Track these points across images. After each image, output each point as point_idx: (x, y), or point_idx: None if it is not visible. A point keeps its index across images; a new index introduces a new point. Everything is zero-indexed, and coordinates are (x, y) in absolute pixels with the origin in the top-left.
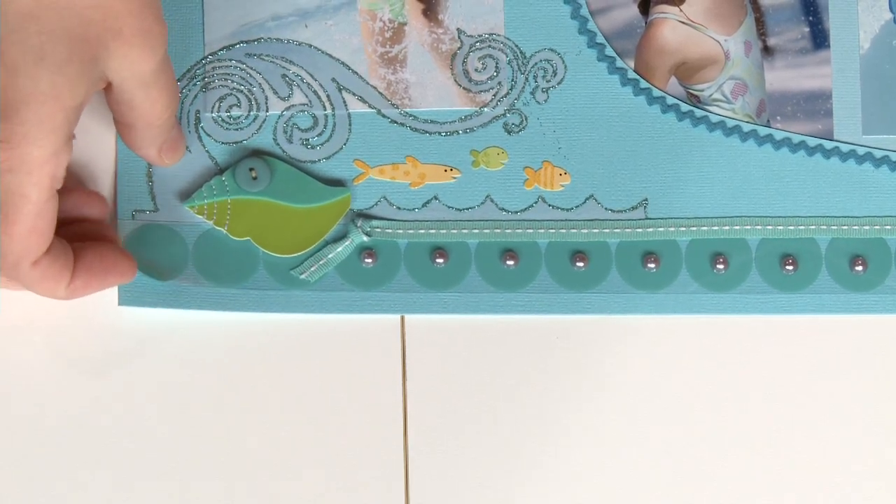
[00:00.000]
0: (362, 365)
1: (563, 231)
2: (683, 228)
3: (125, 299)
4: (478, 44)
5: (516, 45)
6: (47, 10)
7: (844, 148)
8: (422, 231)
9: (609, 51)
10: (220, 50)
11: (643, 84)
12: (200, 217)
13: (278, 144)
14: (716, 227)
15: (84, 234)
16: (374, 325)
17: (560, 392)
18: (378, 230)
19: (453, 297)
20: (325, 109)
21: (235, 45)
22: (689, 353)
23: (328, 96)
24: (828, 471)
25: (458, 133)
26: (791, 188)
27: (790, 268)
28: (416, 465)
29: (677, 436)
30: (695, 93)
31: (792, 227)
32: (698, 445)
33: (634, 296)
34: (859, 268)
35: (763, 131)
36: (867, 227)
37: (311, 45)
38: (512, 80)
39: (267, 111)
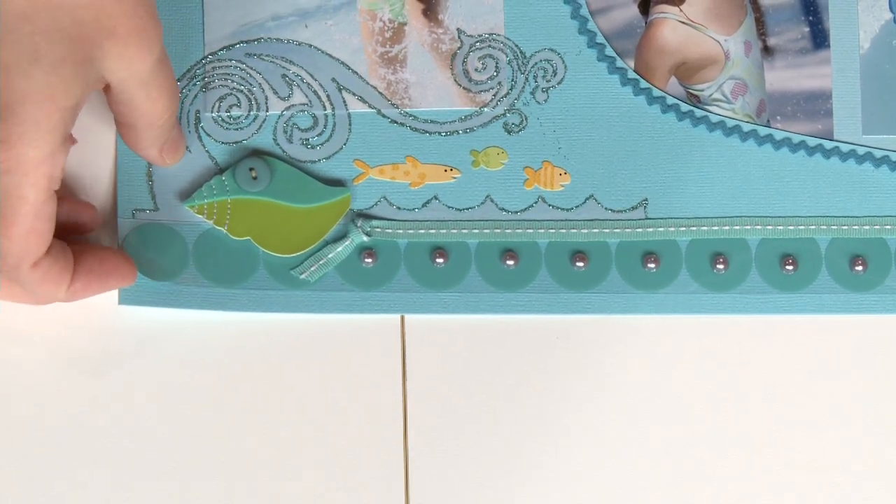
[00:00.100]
0: (362, 365)
1: (563, 231)
2: (683, 228)
3: (125, 299)
4: (478, 44)
5: (516, 45)
6: (41, 10)
7: (844, 148)
8: (422, 231)
9: (609, 51)
10: (220, 50)
11: (643, 84)
12: (200, 217)
13: (278, 144)
14: (716, 227)
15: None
16: (374, 325)
17: (560, 392)
18: (378, 230)
19: (453, 297)
20: (325, 109)
21: (235, 45)
22: (689, 353)
23: (328, 96)
24: (828, 471)
25: (458, 133)
26: (791, 188)
27: (790, 268)
28: (416, 465)
29: (677, 436)
30: (695, 93)
31: (792, 227)
32: (698, 445)
33: (634, 296)
34: (859, 268)
35: (763, 131)
36: (867, 227)
37: (311, 45)
38: (512, 80)
39: (267, 111)
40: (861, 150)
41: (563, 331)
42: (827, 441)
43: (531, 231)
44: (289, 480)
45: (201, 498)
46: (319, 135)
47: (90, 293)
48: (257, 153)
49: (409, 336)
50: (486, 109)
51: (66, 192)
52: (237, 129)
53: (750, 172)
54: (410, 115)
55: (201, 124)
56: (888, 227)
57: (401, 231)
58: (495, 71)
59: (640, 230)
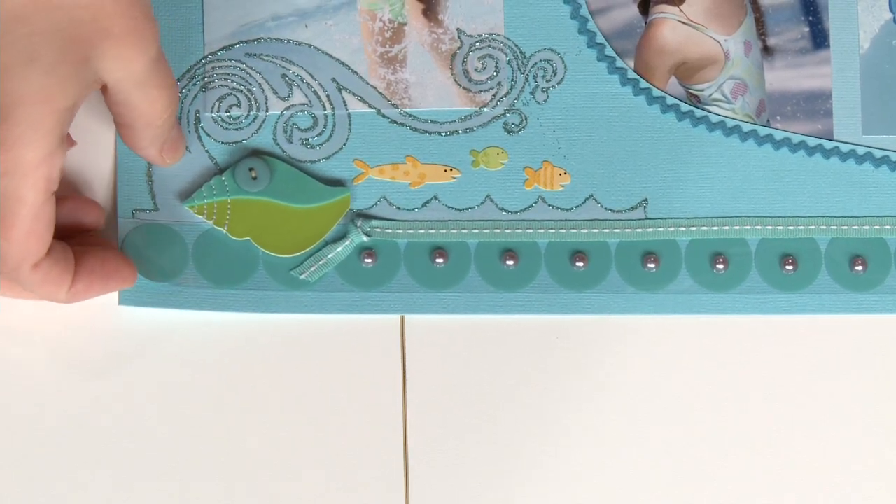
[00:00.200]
0: (362, 365)
1: (563, 231)
2: (683, 228)
3: (125, 299)
4: (478, 44)
5: (516, 45)
6: (37, 11)
7: (844, 148)
8: (421, 231)
9: (609, 51)
10: (219, 50)
11: (643, 84)
12: (200, 217)
13: (278, 144)
14: (715, 227)
15: (81, 243)
16: (374, 325)
17: (560, 392)
18: (378, 230)
19: (453, 297)
20: (325, 109)
21: (235, 45)
22: (688, 353)
23: (328, 96)
24: (828, 471)
25: (458, 133)
26: (791, 188)
27: (790, 268)
28: (416, 466)
29: (677, 436)
30: (695, 93)
31: (792, 227)
32: (698, 445)
33: (634, 296)
34: (859, 268)
35: (763, 131)
36: (867, 227)
37: (310, 45)
38: (512, 80)
39: (267, 111)
40: (861, 150)
41: (562, 331)
42: (827, 441)
43: (531, 231)
44: (289, 480)
45: (201, 498)
46: (319, 135)
47: (91, 295)
48: (257, 153)
49: (408, 336)
50: (485, 109)
51: (68, 191)
52: (237, 129)
53: (750, 172)
54: (410, 115)
55: (201, 124)
56: (888, 227)
57: (400, 231)
58: (495, 71)
59: (639, 230)
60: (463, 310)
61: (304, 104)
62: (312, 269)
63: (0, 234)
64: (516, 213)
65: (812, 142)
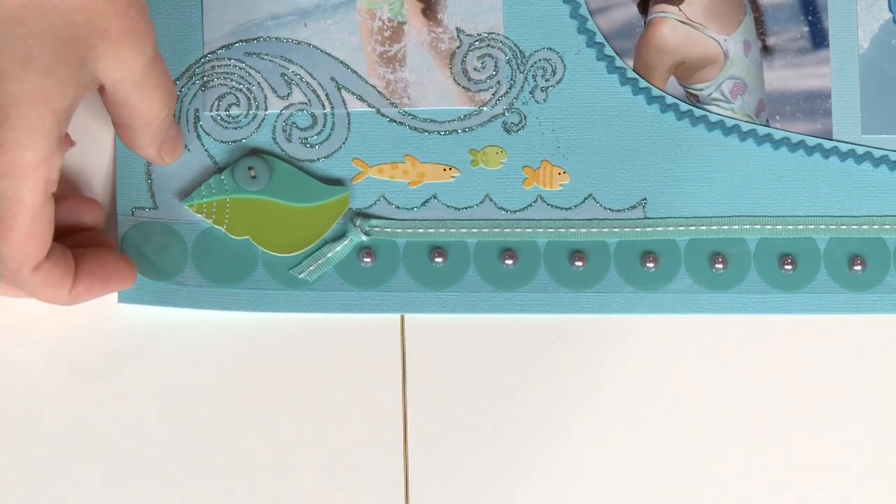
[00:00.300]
0: (362, 365)
1: (562, 230)
2: (682, 228)
3: (125, 298)
4: (477, 43)
5: (515, 45)
6: (33, 13)
7: (843, 147)
8: (421, 230)
9: (608, 50)
10: (219, 49)
11: (642, 83)
12: (199, 216)
13: (277, 143)
14: (714, 227)
15: (80, 242)
16: (374, 324)
17: (560, 392)
18: (377, 229)
19: (452, 296)
20: (324, 108)
21: (234, 44)
22: (688, 352)
23: (327, 95)
24: (828, 471)
25: (457, 132)
26: (790, 188)
27: (789, 267)
28: (416, 465)
29: (677, 436)
30: (694, 92)
31: (791, 227)
32: (698, 445)
33: (633, 295)
34: (858, 267)
35: (762, 131)
36: (866, 227)
37: (310, 44)
38: (511, 80)
39: (266, 110)
40: (860, 150)
41: (562, 330)
42: (827, 441)
43: (530, 230)
44: (289, 480)
45: (201, 498)
46: (318, 134)
47: (92, 296)
48: (256, 152)
49: (408, 336)
50: (485, 109)
51: (67, 190)
52: (236, 128)
53: (749, 172)
54: (409, 115)
55: (200, 123)
56: (887, 226)
57: (400, 230)
58: (494, 70)
59: (638, 229)
60: (462, 309)
61: (303, 103)
62: (311, 268)
63: (0, 236)
64: (515, 212)
65: (811, 141)
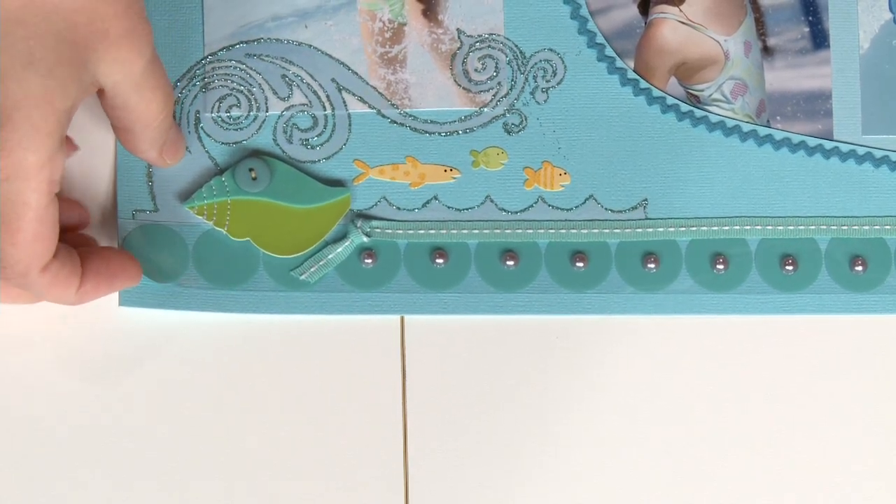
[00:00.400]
0: (362, 365)
1: (563, 231)
2: (683, 228)
3: (126, 300)
4: (477, 44)
5: (516, 46)
6: (34, 14)
7: (844, 148)
8: (421, 231)
9: (609, 51)
10: (219, 50)
11: (643, 84)
12: (200, 217)
13: (278, 145)
14: (715, 228)
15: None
16: (374, 325)
17: (560, 392)
18: (378, 230)
19: (453, 297)
20: (325, 110)
21: (235, 45)
22: (689, 353)
23: (328, 96)
24: (828, 471)
25: (458, 133)
26: (791, 188)
27: (790, 268)
28: (416, 466)
29: (677, 436)
30: (694, 93)
31: (792, 227)
32: (698, 445)
33: (634, 296)
34: (859, 268)
35: (763, 131)
36: (867, 227)
37: (310, 46)
38: (512, 81)
39: (267, 111)
40: (861, 150)
41: (562, 331)
42: (827, 441)
43: (531, 231)
44: (289, 480)
45: (201, 498)
46: (319, 135)
47: (99, 294)
48: (257, 154)
49: (408, 336)
50: (485, 110)
51: (64, 193)
52: (237, 130)
53: (750, 172)
54: (410, 116)
55: (201, 125)
56: (888, 227)
57: (400, 231)
58: (495, 71)
59: (639, 230)
60: (463, 310)
61: (304, 104)
62: (312, 269)
63: (7, 239)
64: (516, 213)
65: (812, 142)
